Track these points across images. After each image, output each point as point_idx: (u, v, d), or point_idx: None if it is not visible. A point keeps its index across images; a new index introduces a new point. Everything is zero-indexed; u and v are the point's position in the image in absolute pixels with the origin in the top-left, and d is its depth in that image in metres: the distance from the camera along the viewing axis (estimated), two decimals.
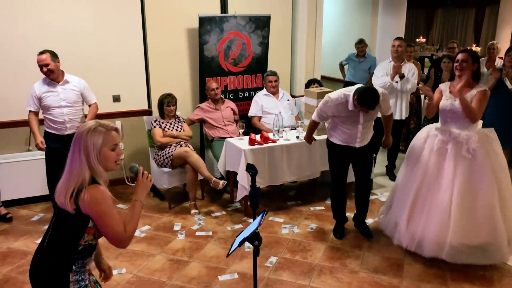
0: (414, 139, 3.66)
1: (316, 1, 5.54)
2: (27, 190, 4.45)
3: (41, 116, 4.05)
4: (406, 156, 3.69)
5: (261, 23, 5.22)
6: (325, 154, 3.91)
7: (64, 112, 3.94)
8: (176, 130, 4.54)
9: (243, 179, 4.06)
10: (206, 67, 5.05)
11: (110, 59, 4.76)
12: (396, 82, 4.86)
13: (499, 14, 9.23)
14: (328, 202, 4.54)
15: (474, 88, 3.32)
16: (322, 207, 4.50)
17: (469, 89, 3.33)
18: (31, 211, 4.41)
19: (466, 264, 3.28)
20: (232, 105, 5.00)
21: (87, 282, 1.90)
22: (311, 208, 4.48)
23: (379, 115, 3.76)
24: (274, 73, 5.01)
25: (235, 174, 4.27)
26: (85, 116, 4.16)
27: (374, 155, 4.19)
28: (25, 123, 4.42)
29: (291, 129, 4.67)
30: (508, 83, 4.59)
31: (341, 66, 6.99)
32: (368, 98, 3.30)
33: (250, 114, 5.03)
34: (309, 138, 3.95)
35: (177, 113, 4.67)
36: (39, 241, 3.73)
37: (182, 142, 4.49)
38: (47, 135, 4.00)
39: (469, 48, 10.31)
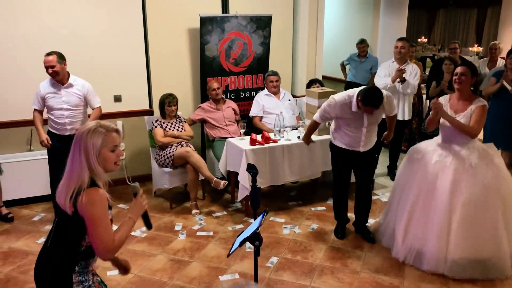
0: (412, 148, 3.63)
1: (317, 1, 5.54)
2: (28, 190, 4.46)
3: (45, 115, 4.06)
4: (402, 165, 3.67)
5: (262, 23, 5.21)
6: (326, 154, 3.92)
7: (65, 115, 3.94)
8: (177, 130, 4.54)
9: (244, 179, 4.06)
10: (207, 67, 5.05)
11: (111, 59, 4.76)
12: (399, 82, 4.85)
13: (501, 14, 9.21)
14: (329, 202, 4.54)
15: (473, 102, 3.30)
16: (323, 208, 4.49)
17: (468, 103, 3.32)
18: (32, 211, 4.41)
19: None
20: (233, 105, 5.00)
21: (90, 282, 1.90)
22: (312, 209, 4.48)
23: (383, 116, 3.75)
24: (275, 73, 5.01)
25: (236, 174, 4.27)
26: (89, 116, 4.16)
27: (375, 155, 4.18)
28: (26, 123, 4.44)
29: (292, 129, 4.67)
30: (507, 85, 4.59)
31: (343, 66, 6.98)
32: (372, 97, 3.30)
33: (251, 114, 5.03)
34: (308, 139, 3.92)
35: (178, 113, 4.67)
36: (40, 241, 3.76)
37: (183, 142, 4.49)
38: (49, 134, 4.01)
39: (470, 49, 10.30)
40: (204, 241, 3.83)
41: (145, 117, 4.81)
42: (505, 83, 4.59)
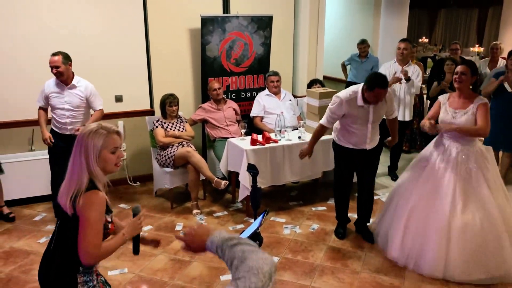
0: (419, 155, 3.62)
1: (318, 1, 5.54)
2: (29, 190, 4.47)
3: (50, 114, 4.08)
4: (406, 170, 3.67)
5: (263, 24, 5.22)
6: (327, 154, 3.91)
7: (66, 115, 3.95)
8: (178, 130, 4.55)
9: (245, 179, 4.07)
10: (208, 67, 5.06)
11: (112, 60, 4.77)
12: (400, 83, 4.86)
13: (502, 14, 9.19)
14: (330, 202, 4.55)
15: (474, 101, 3.30)
16: (324, 208, 4.50)
17: (468, 101, 3.32)
18: (33, 210, 4.42)
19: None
20: (234, 105, 5.01)
21: (94, 282, 1.92)
22: (313, 209, 4.48)
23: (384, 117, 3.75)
24: (276, 73, 5.02)
25: (237, 174, 4.28)
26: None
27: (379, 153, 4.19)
28: (27, 123, 4.45)
29: (293, 130, 4.67)
30: (507, 86, 4.58)
31: (343, 67, 6.98)
32: (376, 78, 3.33)
33: (252, 114, 5.04)
34: (312, 149, 3.77)
35: (179, 113, 4.67)
36: (41, 240, 3.77)
37: (184, 142, 4.50)
38: (52, 133, 4.03)
39: (471, 49, 10.30)
40: None
41: (146, 117, 4.82)
42: (506, 84, 4.59)
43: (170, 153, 4.38)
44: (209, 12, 4.97)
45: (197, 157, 4.30)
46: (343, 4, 7.97)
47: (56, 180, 3.86)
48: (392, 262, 3.47)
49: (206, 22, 4.88)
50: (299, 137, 4.38)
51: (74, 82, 3.94)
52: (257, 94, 5.21)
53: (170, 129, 4.51)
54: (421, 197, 3.37)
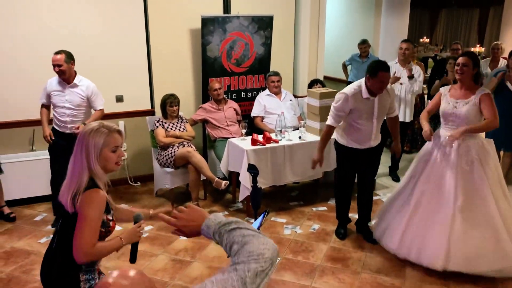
0: (422, 149, 3.62)
1: (319, 1, 5.54)
2: (30, 190, 4.47)
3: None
4: (411, 165, 3.67)
5: (264, 24, 5.22)
6: (327, 154, 3.90)
7: (66, 113, 3.95)
8: (179, 130, 4.55)
9: (246, 179, 4.06)
10: (209, 68, 5.06)
11: (113, 60, 4.77)
12: (401, 84, 4.86)
13: (503, 14, 9.17)
14: (331, 202, 4.54)
15: (476, 92, 3.29)
16: (325, 208, 4.49)
17: (469, 92, 3.31)
18: (34, 210, 4.43)
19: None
20: (235, 105, 5.00)
21: (97, 280, 1.92)
22: (314, 209, 4.48)
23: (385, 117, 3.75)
24: (276, 74, 5.01)
25: (238, 174, 4.28)
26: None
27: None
28: (28, 123, 4.45)
29: (293, 130, 4.67)
30: (510, 85, 4.57)
31: (344, 67, 6.98)
32: (378, 63, 3.38)
33: (252, 114, 5.03)
34: (322, 155, 3.65)
35: (180, 113, 4.67)
36: (42, 240, 3.77)
37: (184, 142, 4.50)
38: (53, 131, 4.04)
39: (472, 49, 10.29)
40: (205, 241, 3.83)
41: (147, 117, 4.82)
42: (508, 84, 4.58)
43: (171, 153, 4.38)
44: (209, 12, 4.96)
45: (197, 157, 4.30)
46: (343, 4, 7.97)
47: (56, 179, 3.87)
48: (393, 262, 3.47)
49: (207, 22, 4.88)
50: (300, 137, 4.38)
51: (76, 81, 3.94)
52: (257, 94, 5.21)
53: (171, 129, 4.51)
54: (424, 193, 3.38)
